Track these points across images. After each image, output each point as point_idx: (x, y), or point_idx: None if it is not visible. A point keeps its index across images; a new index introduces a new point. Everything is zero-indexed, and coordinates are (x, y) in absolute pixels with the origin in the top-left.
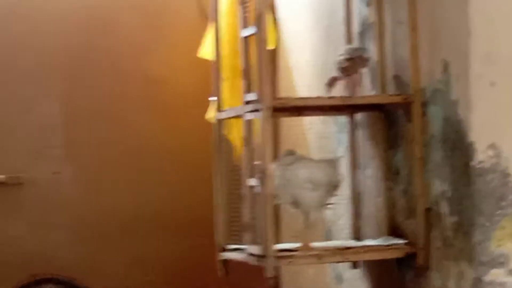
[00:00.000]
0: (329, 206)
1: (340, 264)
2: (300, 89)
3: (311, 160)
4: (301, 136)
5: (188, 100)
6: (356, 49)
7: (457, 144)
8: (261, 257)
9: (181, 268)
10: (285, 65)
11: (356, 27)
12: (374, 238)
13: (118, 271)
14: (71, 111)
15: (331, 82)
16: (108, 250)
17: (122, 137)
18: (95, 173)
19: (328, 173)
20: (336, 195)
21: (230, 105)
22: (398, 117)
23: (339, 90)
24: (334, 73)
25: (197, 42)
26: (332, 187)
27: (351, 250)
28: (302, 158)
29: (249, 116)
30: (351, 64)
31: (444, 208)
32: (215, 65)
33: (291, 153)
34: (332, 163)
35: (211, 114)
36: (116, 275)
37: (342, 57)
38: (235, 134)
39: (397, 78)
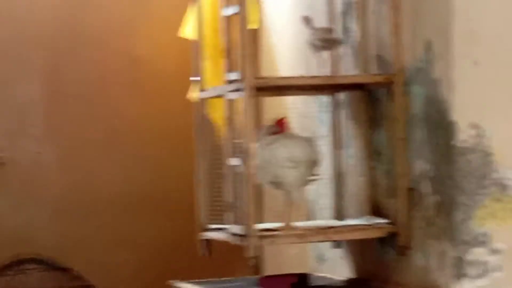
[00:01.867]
0: (310, 183)
1: (322, 243)
2: (282, 68)
3: (289, 138)
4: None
5: (170, 80)
6: (326, 30)
7: (439, 124)
8: (243, 236)
9: (163, 248)
10: (267, 44)
11: (339, 6)
12: (356, 217)
13: (100, 250)
14: (52, 89)
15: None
16: (90, 230)
17: (103, 116)
18: (76, 152)
19: (306, 150)
20: (316, 172)
21: (213, 85)
22: (380, 96)
23: (319, 70)
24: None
25: (179, 20)
26: (312, 164)
27: (333, 230)
28: (281, 137)
29: (231, 96)
30: (324, 45)
31: (426, 187)
32: (197, 44)
33: (270, 128)
34: (309, 140)
35: (194, 93)
36: (98, 255)
37: (314, 38)
38: (218, 113)
39: (379, 57)
